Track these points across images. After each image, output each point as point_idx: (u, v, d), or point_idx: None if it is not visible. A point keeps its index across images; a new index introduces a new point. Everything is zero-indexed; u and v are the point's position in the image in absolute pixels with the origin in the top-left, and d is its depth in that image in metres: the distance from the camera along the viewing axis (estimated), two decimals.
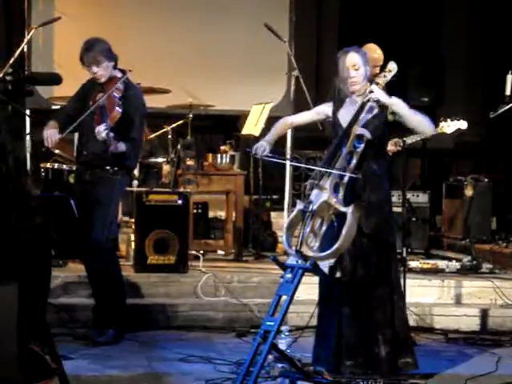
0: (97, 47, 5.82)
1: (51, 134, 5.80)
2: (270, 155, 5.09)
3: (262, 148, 5.08)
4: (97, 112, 5.80)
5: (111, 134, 5.60)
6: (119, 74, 5.96)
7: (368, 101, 4.91)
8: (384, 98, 4.92)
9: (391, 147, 6.76)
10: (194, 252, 7.55)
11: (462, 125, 6.94)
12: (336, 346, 5.02)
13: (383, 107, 4.98)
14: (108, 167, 5.87)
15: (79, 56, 5.87)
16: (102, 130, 5.60)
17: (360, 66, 5.04)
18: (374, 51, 6.86)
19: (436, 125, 7.01)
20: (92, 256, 5.79)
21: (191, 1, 9.36)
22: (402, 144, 6.73)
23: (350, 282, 4.97)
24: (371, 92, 4.90)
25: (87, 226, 5.73)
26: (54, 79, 5.23)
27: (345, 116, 5.05)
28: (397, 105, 4.95)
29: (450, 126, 6.93)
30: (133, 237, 7.25)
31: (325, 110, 5.19)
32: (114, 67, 5.93)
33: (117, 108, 5.79)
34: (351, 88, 5.06)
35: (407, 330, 5.21)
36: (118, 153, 5.73)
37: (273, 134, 5.25)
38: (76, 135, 6.66)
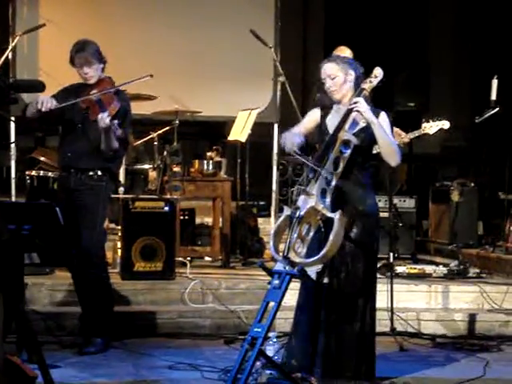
0: (88, 48, 5.85)
1: (47, 100, 5.69)
2: (298, 152, 4.87)
3: (290, 142, 4.87)
4: (93, 106, 5.77)
5: (115, 121, 5.62)
6: (107, 78, 5.96)
7: (352, 109, 4.87)
8: (367, 114, 4.85)
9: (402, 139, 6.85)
10: (180, 259, 7.53)
11: (445, 125, 6.97)
12: (308, 353, 4.99)
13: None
14: (92, 173, 5.85)
15: (70, 57, 5.87)
16: (105, 117, 5.60)
17: (337, 74, 4.99)
18: (344, 52, 7.08)
19: (419, 126, 7.07)
20: (83, 264, 5.76)
21: (177, 7, 9.36)
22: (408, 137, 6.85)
23: (327, 289, 4.94)
24: (356, 102, 4.86)
25: (76, 234, 5.72)
26: (37, 86, 5.20)
27: (331, 123, 5.02)
28: (376, 125, 4.87)
29: (432, 127, 6.97)
30: (119, 244, 7.24)
31: (315, 115, 5.16)
32: (102, 70, 5.92)
33: (115, 102, 5.79)
34: (332, 97, 5.05)
35: (373, 340, 5.16)
36: (110, 149, 5.71)
37: (296, 133, 5.02)
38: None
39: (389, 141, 4.93)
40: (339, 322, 4.94)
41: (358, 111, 4.84)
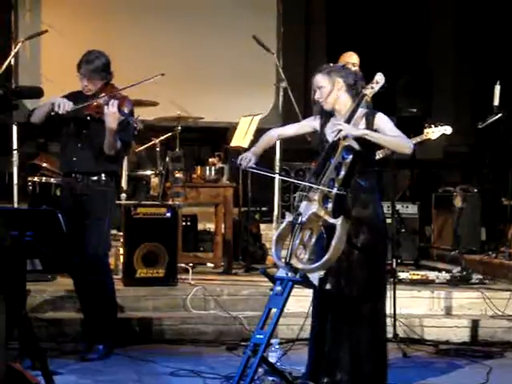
0: (96, 62, 5.81)
1: (63, 101, 5.70)
2: (254, 167, 5.04)
3: (248, 159, 5.03)
4: (102, 109, 5.75)
5: (124, 111, 5.65)
6: (112, 84, 5.96)
7: (339, 139, 4.85)
8: (354, 131, 4.83)
9: None
10: (183, 265, 7.51)
11: (447, 130, 6.97)
12: (317, 360, 4.99)
13: (369, 123, 4.95)
14: (97, 177, 5.84)
15: (78, 62, 5.86)
16: (115, 104, 5.61)
17: (323, 84, 5.00)
18: (351, 57, 7.13)
19: (421, 132, 7.06)
20: (88, 270, 5.75)
21: (179, 14, 9.38)
22: None
23: (335, 296, 4.93)
24: (340, 130, 4.85)
25: (82, 239, 5.72)
26: (36, 93, 5.22)
27: (330, 131, 5.02)
28: (369, 134, 4.85)
29: (434, 132, 6.97)
30: (121, 250, 7.23)
31: (312, 123, 5.17)
32: (106, 83, 5.91)
33: (127, 102, 5.79)
34: (324, 107, 5.05)
35: (385, 346, 5.16)
36: (113, 147, 5.71)
37: (259, 145, 5.21)
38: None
39: (390, 140, 4.92)
40: (342, 332, 4.93)
41: (345, 137, 4.83)
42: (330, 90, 4.99)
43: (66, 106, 5.67)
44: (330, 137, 4.95)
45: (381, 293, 5.03)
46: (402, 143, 4.95)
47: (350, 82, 5.01)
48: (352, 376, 4.91)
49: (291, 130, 5.29)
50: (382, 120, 4.96)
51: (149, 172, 8.34)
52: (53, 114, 5.69)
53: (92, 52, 5.89)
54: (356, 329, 4.93)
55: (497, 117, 7.94)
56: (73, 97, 5.92)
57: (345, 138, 4.82)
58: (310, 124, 5.18)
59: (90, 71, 5.81)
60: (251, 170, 5.09)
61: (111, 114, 5.64)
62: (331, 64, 5.18)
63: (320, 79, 5.03)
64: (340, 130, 4.81)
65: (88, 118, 5.85)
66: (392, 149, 5.09)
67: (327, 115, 5.08)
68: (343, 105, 5.01)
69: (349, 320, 4.93)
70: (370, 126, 4.93)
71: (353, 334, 4.93)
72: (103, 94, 5.81)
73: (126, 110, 5.70)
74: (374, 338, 4.95)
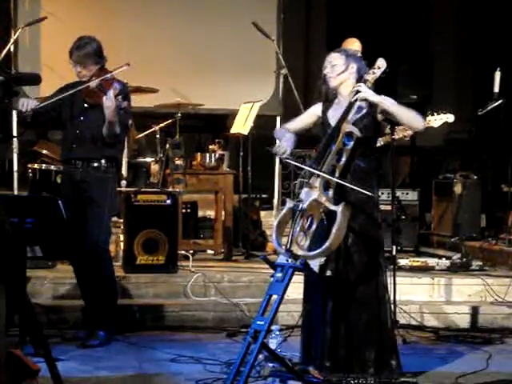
0: (87, 48, 5.83)
1: (28, 100, 5.81)
2: (289, 158, 5.04)
3: (283, 149, 5.03)
4: (94, 93, 5.77)
5: (118, 96, 5.66)
6: (104, 68, 5.96)
7: (356, 100, 4.88)
8: (372, 96, 4.89)
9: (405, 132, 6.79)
10: (183, 252, 7.52)
11: (449, 118, 6.96)
12: (319, 345, 4.99)
13: (372, 106, 4.96)
14: (98, 163, 5.85)
15: (69, 50, 5.87)
16: (110, 96, 5.62)
17: (337, 63, 5.04)
18: (353, 44, 7.12)
19: (423, 119, 7.05)
20: (89, 257, 5.76)
21: (180, 1, 9.36)
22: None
23: (334, 281, 4.94)
24: (358, 92, 4.87)
25: (82, 226, 5.73)
26: (33, 79, 5.24)
27: (333, 116, 5.03)
28: (385, 103, 4.92)
29: (436, 120, 6.95)
30: (122, 237, 7.23)
31: (315, 110, 5.17)
32: (101, 69, 5.91)
33: (115, 84, 5.78)
34: (329, 84, 5.06)
35: (392, 331, 5.17)
36: (113, 133, 5.72)
37: (290, 140, 5.15)
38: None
39: (404, 111, 4.98)
40: (343, 317, 4.94)
41: (361, 98, 4.85)
42: (343, 70, 5.03)
43: (30, 104, 5.76)
44: (333, 121, 4.96)
45: (379, 277, 5.02)
46: (416, 117, 5.02)
47: (361, 73, 5.05)
48: (349, 361, 4.92)
49: (300, 122, 5.27)
50: (385, 99, 4.98)
51: (149, 159, 8.34)
52: (20, 111, 5.80)
53: (82, 38, 5.91)
54: (352, 313, 4.94)
55: (497, 103, 7.93)
56: (69, 87, 5.93)
57: (358, 99, 4.83)
58: (314, 112, 5.18)
59: (81, 57, 5.83)
60: (286, 160, 5.07)
61: (109, 107, 5.63)
62: (351, 47, 5.22)
63: (335, 57, 5.07)
64: (358, 91, 4.84)
65: (85, 104, 5.86)
66: (405, 121, 5.04)
67: (330, 100, 5.08)
68: (348, 89, 5.02)
69: (346, 304, 4.94)
70: (373, 109, 4.95)
71: (349, 318, 4.94)
72: (93, 79, 5.82)
73: (111, 91, 5.67)
74: (371, 323, 4.95)
